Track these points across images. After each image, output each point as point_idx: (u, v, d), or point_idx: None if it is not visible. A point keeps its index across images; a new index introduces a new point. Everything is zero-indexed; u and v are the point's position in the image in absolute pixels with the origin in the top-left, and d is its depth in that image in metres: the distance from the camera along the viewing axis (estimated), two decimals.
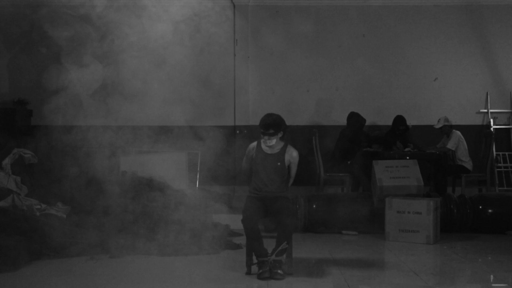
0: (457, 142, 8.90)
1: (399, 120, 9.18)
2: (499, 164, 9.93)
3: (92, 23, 6.31)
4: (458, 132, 9.00)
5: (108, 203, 6.51)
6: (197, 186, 9.01)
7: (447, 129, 9.02)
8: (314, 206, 7.39)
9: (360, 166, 8.64)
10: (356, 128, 8.96)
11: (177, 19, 6.46)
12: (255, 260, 5.21)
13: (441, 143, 9.11)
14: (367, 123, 9.48)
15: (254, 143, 5.45)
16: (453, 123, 9.17)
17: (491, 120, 9.98)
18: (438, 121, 9.06)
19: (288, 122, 5.45)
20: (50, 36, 6.13)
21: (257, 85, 9.89)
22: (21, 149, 7.28)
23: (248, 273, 5.25)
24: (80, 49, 6.25)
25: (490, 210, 7.31)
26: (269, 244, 5.24)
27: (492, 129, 9.79)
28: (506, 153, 10.03)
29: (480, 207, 7.29)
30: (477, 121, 9.97)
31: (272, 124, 5.28)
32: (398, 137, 9.11)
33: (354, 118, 8.98)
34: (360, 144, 8.94)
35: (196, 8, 6.54)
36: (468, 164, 8.88)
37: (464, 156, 8.91)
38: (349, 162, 8.79)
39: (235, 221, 5.91)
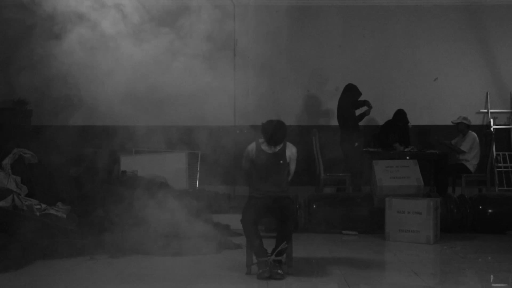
0: (471, 145, 8.87)
1: (399, 115, 9.20)
2: (499, 164, 9.94)
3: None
4: (474, 134, 8.96)
5: (108, 203, 6.51)
6: (197, 186, 9.02)
7: (463, 127, 8.97)
8: (314, 206, 7.39)
9: (358, 164, 8.65)
10: (353, 101, 8.94)
11: (176, 19, 6.46)
12: (255, 260, 5.21)
13: (455, 140, 9.08)
14: (366, 123, 9.50)
15: (253, 144, 5.44)
16: (471, 123, 9.09)
17: (491, 120, 9.99)
18: (458, 118, 9.00)
19: (288, 122, 5.46)
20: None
21: (257, 85, 9.89)
22: (21, 149, 7.28)
23: (248, 273, 5.25)
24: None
25: (490, 210, 7.31)
26: (269, 244, 5.24)
27: (492, 129, 9.80)
28: (506, 153, 10.03)
29: (480, 207, 7.29)
30: (477, 121, 9.97)
31: (282, 138, 5.31)
32: (397, 131, 9.11)
33: (351, 92, 8.93)
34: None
35: (195, 8, 6.53)
36: (472, 166, 8.86)
37: (474, 159, 8.89)
38: (356, 144, 8.75)
39: (235, 221, 5.91)
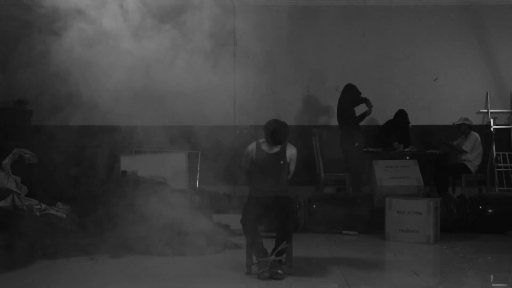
0: (473, 145, 8.87)
1: (400, 115, 9.20)
2: (499, 164, 9.94)
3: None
4: (476, 135, 8.96)
5: (108, 203, 6.51)
6: (197, 186, 9.01)
7: (465, 128, 8.98)
8: (314, 206, 7.39)
9: (358, 164, 8.64)
10: (353, 101, 8.93)
11: (176, 16, 6.45)
12: (255, 260, 5.21)
13: (458, 141, 9.08)
14: (366, 123, 9.49)
15: (253, 144, 5.45)
16: (472, 123, 9.10)
17: (491, 120, 9.99)
18: (459, 119, 9.02)
19: (288, 122, 5.46)
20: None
21: (257, 85, 9.88)
22: (21, 149, 7.28)
23: (248, 273, 5.25)
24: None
25: (490, 210, 7.31)
26: (269, 244, 5.24)
27: (492, 129, 9.80)
28: (506, 153, 10.04)
29: (480, 207, 7.29)
30: (477, 121, 9.97)
31: (283, 139, 5.33)
32: (397, 131, 9.11)
33: (351, 91, 8.92)
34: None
35: (195, 8, 6.52)
36: (473, 167, 8.86)
37: (476, 159, 8.89)
38: (356, 144, 8.74)
39: (235, 221, 5.90)
